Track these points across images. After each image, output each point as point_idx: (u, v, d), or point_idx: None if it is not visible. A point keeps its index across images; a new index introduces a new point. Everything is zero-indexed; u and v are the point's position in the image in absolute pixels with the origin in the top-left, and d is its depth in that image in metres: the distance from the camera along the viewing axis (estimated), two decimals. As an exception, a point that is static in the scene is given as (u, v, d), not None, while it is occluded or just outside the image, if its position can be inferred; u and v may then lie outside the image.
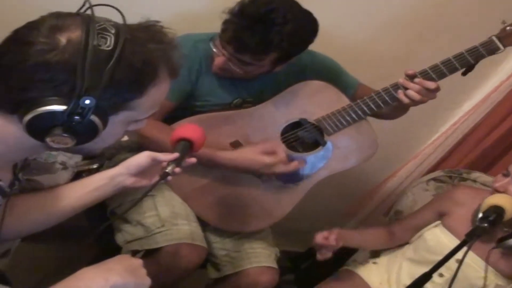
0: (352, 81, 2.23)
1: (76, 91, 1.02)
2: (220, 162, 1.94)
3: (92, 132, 1.10)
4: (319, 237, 2.06)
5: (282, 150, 1.97)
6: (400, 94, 1.95)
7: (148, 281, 1.26)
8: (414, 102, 1.96)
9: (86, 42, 1.02)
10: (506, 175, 2.00)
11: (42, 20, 1.07)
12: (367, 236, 2.39)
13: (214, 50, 1.94)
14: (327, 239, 2.05)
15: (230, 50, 1.88)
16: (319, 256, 2.10)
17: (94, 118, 1.07)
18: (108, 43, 1.04)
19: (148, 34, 1.13)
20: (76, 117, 1.05)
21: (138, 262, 1.27)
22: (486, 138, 2.72)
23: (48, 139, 1.07)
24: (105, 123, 1.10)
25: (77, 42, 1.02)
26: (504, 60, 2.63)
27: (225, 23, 1.87)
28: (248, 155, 1.95)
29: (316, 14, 1.92)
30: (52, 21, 1.06)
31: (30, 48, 1.02)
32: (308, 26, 1.92)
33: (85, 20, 1.05)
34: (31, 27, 1.06)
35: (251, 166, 1.95)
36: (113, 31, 1.06)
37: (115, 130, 1.18)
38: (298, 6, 1.91)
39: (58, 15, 1.08)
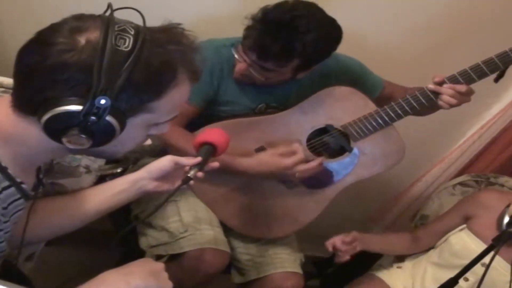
0: (378, 81, 2.22)
1: (92, 91, 1.01)
2: (240, 169, 1.93)
3: (109, 133, 1.08)
4: (336, 241, 2.05)
5: (301, 150, 1.95)
6: (439, 101, 1.94)
7: (170, 284, 1.26)
8: (451, 106, 1.94)
9: (104, 42, 1.02)
10: None
11: (64, 22, 1.07)
12: (390, 241, 2.38)
13: (236, 56, 1.93)
14: (344, 243, 2.04)
15: (252, 56, 1.87)
16: (337, 259, 2.10)
17: (110, 119, 1.05)
18: (127, 44, 1.04)
19: (168, 35, 1.12)
20: (92, 118, 1.04)
21: (160, 265, 1.27)
22: (513, 142, 2.68)
23: (64, 139, 1.07)
24: (122, 125, 1.09)
25: (96, 43, 1.02)
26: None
27: (248, 29, 1.87)
28: (267, 160, 1.94)
29: (344, 17, 1.91)
30: (73, 23, 1.06)
31: (51, 48, 1.02)
32: (331, 34, 1.91)
33: (105, 21, 1.05)
34: (53, 28, 1.06)
35: (272, 170, 1.93)
36: (132, 32, 1.05)
37: (134, 133, 1.16)
38: (322, 13, 1.89)
39: (79, 17, 1.08)
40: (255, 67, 1.90)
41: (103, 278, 1.16)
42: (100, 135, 1.08)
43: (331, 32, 1.90)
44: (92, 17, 1.08)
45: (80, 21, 1.06)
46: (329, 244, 2.11)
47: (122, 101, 1.06)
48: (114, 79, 1.02)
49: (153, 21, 1.13)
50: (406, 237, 2.36)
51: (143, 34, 1.06)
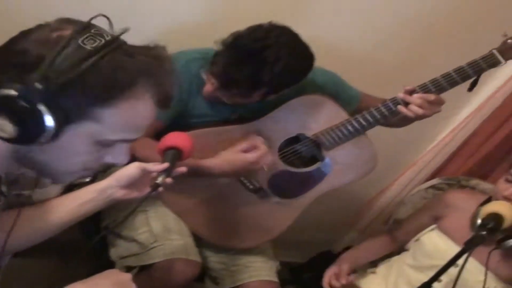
0: (354, 94, 2.19)
1: (34, 76, 0.95)
2: (206, 170, 1.90)
3: (39, 125, 0.97)
4: (330, 278, 2.12)
5: (262, 143, 1.95)
6: (402, 109, 1.91)
7: None
8: (418, 116, 1.92)
9: (71, 37, 0.99)
10: (511, 181, 1.96)
11: (52, 21, 1.06)
12: (372, 249, 2.39)
13: (204, 77, 1.91)
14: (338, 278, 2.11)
15: (217, 83, 1.86)
16: None
17: (44, 109, 0.95)
18: (95, 44, 0.99)
19: (144, 50, 1.07)
20: (23, 102, 0.95)
21: (127, 276, 1.25)
22: (484, 145, 2.70)
23: None
24: (60, 123, 0.98)
25: (63, 37, 0.99)
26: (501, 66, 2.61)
27: (216, 55, 1.84)
28: (230, 157, 1.92)
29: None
30: (57, 23, 1.04)
31: (25, 38, 1.01)
32: (301, 62, 1.88)
33: (84, 24, 1.03)
34: (41, 25, 1.05)
35: (237, 167, 1.92)
36: (107, 38, 1.02)
37: (79, 146, 1.06)
38: (296, 39, 1.85)
39: (65, 20, 1.06)
40: (222, 92, 1.88)
41: None
42: (30, 125, 0.97)
43: (301, 61, 1.87)
44: (75, 21, 1.05)
45: (62, 23, 1.04)
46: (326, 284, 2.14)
47: (67, 97, 0.97)
48: (65, 71, 0.96)
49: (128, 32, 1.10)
50: (385, 239, 2.40)
51: (119, 43, 1.03)
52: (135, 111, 1.06)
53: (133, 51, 1.04)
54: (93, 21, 1.06)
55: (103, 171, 2.06)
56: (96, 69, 0.98)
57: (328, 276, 2.15)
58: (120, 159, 1.14)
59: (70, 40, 0.98)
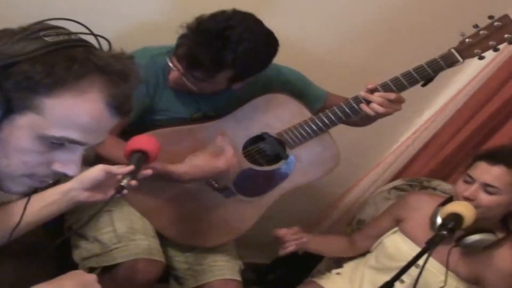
0: (320, 93, 2.20)
1: None
2: (174, 177, 1.91)
3: None
4: (283, 230, 2.11)
5: (228, 143, 1.97)
6: (364, 107, 1.93)
7: None
8: (379, 114, 1.94)
9: (33, 29, 0.97)
10: (469, 182, 1.99)
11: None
12: (328, 242, 2.42)
13: (170, 64, 1.91)
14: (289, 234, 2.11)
15: (183, 65, 1.86)
16: (281, 251, 2.13)
17: None
18: (56, 39, 0.97)
19: (108, 53, 1.04)
20: None
21: (92, 277, 1.24)
22: (445, 146, 2.74)
23: None
24: (1, 110, 0.96)
25: (26, 29, 0.98)
26: (462, 69, 2.66)
27: (181, 38, 1.85)
28: (199, 163, 1.93)
29: (280, 26, 1.91)
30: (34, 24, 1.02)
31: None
32: (265, 46, 1.89)
33: (54, 25, 1.01)
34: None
35: (207, 173, 1.94)
36: (72, 37, 1.00)
37: (20, 140, 1.00)
38: (259, 25, 1.87)
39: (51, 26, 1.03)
40: (188, 76, 1.88)
41: None
42: None
43: (265, 44, 1.88)
44: (56, 26, 1.03)
45: (43, 24, 1.02)
46: (276, 232, 2.14)
47: (9, 79, 0.94)
48: (13, 54, 0.94)
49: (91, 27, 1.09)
50: (344, 239, 2.41)
51: (84, 43, 1.02)
52: (79, 106, 0.99)
53: (96, 52, 1.02)
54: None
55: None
56: (48, 58, 0.95)
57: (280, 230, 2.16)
58: (70, 169, 1.06)
59: (33, 33, 0.97)
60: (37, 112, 0.98)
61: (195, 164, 1.93)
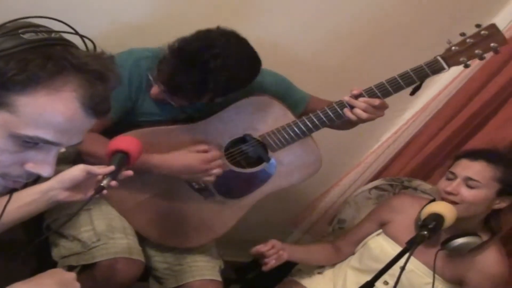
0: (303, 96, 2.20)
1: None
2: (154, 163, 1.90)
3: None
4: (260, 247, 2.08)
5: (214, 148, 1.97)
6: (347, 112, 1.93)
7: None
8: (362, 120, 1.94)
9: (12, 27, 0.96)
10: (451, 178, 2.01)
11: None
12: (312, 251, 2.40)
13: (151, 78, 1.90)
14: (268, 249, 2.08)
15: (164, 88, 1.86)
16: (264, 268, 2.11)
17: None
18: (34, 38, 0.95)
19: (87, 53, 1.02)
20: None
21: (71, 275, 1.23)
22: (426, 146, 2.75)
23: None
24: None
25: (5, 27, 0.97)
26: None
27: (162, 61, 1.84)
28: (182, 155, 1.94)
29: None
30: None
31: None
32: (248, 70, 1.89)
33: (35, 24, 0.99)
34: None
35: (186, 165, 1.94)
36: (54, 36, 0.98)
37: None
38: (243, 47, 1.86)
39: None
40: (168, 96, 1.88)
41: None
42: None
43: (248, 68, 1.88)
44: (36, 24, 1.01)
45: (22, 22, 1.00)
46: (254, 250, 2.13)
47: None
48: None
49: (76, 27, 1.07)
50: (328, 247, 2.40)
51: (63, 42, 0.99)
52: (53, 105, 0.96)
53: (75, 51, 0.99)
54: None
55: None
56: (23, 55, 0.93)
57: (257, 246, 2.14)
58: (44, 170, 1.02)
59: (11, 30, 0.95)
60: (10, 110, 0.95)
61: (179, 155, 1.94)
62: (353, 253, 2.33)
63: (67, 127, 0.99)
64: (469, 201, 1.96)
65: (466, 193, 1.96)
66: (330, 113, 1.96)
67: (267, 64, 2.10)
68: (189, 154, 1.95)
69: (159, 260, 2.13)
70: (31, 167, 1.01)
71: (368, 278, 1.75)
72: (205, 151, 1.96)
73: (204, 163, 1.94)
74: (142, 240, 2.04)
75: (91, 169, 1.50)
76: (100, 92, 1.00)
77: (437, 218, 1.83)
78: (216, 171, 1.97)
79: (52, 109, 0.96)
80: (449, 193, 1.97)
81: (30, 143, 0.99)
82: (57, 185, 1.49)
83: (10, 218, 1.44)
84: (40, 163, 1.01)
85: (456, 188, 1.97)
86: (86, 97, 0.98)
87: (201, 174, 1.98)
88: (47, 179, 1.50)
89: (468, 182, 1.97)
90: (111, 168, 1.48)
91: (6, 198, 1.43)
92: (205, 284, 2.09)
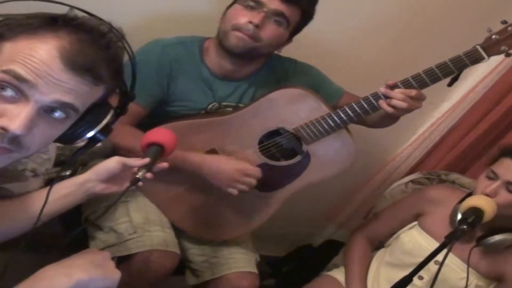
0: (336, 90, 2.18)
1: None
2: (191, 163, 1.92)
3: None
4: None
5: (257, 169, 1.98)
6: (383, 104, 1.90)
7: (117, 274, 1.23)
8: (399, 111, 1.90)
9: None
10: (492, 178, 1.97)
11: None
12: (360, 270, 2.31)
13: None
14: None
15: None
16: None
17: None
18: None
19: (88, 18, 1.05)
20: None
21: (104, 254, 1.24)
22: (463, 139, 2.71)
23: None
24: None
25: None
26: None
27: None
28: (222, 159, 1.95)
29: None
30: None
31: None
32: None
33: None
34: None
35: (225, 169, 1.93)
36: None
37: None
38: None
39: None
40: (269, 19, 1.87)
41: (42, 274, 1.12)
42: None
43: None
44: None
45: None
46: None
47: None
48: None
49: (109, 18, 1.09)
50: (367, 252, 2.34)
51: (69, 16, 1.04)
52: (31, 45, 0.99)
53: (77, 15, 1.04)
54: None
55: (83, 165, 2.06)
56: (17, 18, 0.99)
57: None
58: (13, 123, 0.98)
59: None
60: None
61: (219, 159, 1.96)
62: (385, 244, 2.31)
63: (42, 70, 0.99)
64: (507, 205, 1.92)
65: (505, 196, 1.93)
66: (365, 105, 1.94)
67: (299, 55, 2.09)
68: (231, 159, 1.96)
69: (196, 253, 2.14)
70: (2, 121, 0.99)
71: (400, 272, 1.73)
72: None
73: (238, 172, 1.94)
74: (178, 232, 2.05)
75: (126, 161, 1.51)
76: (87, 52, 1.01)
77: (477, 212, 1.80)
78: (243, 187, 1.96)
79: (29, 48, 0.99)
80: (487, 195, 1.93)
81: (6, 86, 0.99)
82: (94, 177, 1.50)
83: (49, 211, 1.45)
84: (12, 116, 0.99)
85: (496, 190, 1.94)
86: (68, 51, 1.00)
87: (229, 182, 1.97)
88: (83, 171, 1.53)
89: (509, 186, 1.93)
90: (146, 160, 1.49)
91: (45, 190, 1.46)
92: (242, 276, 2.08)
